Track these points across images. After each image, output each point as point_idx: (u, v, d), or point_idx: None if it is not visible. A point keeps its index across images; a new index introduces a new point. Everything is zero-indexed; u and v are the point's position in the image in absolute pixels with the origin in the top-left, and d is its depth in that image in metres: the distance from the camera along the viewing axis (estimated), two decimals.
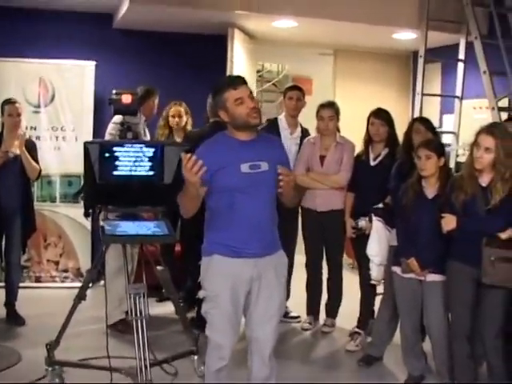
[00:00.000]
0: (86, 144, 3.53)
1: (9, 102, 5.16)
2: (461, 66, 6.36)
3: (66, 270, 6.39)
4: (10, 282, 5.28)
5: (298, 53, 8.17)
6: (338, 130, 5.25)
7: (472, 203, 3.68)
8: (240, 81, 3.20)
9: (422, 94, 6.23)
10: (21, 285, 5.68)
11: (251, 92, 3.22)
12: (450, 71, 6.88)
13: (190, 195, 3.06)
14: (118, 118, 4.34)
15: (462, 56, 6.37)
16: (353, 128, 5.14)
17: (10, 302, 5.25)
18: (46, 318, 4.23)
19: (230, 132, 3.24)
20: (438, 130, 6.75)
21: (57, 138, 6.38)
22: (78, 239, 6.31)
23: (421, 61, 6.16)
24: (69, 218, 6.30)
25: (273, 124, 5.26)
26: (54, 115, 6.38)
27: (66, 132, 6.38)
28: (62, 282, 6.27)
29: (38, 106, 6.34)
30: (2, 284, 5.39)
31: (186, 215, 3.23)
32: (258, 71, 10.21)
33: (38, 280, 6.36)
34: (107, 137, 4.95)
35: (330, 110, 5.07)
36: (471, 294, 3.73)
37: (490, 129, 3.65)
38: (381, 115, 4.84)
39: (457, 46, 6.45)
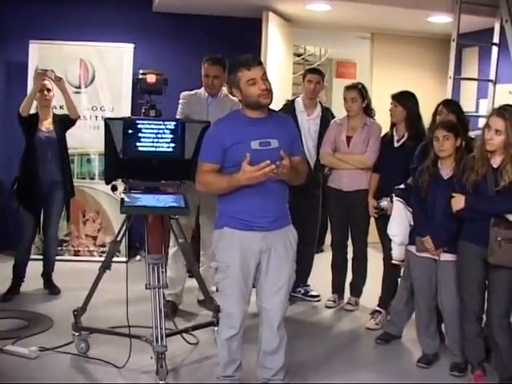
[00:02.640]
0: (106, 120, 3.72)
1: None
2: (495, 50, 6.30)
3: (103, 245, 6.62)
4: (48, 254, 5.54)
5: (336, 36, 8.23)
6: (369, 113, 5.29)
7: (482, 184, 3.73)
8: (255, 62, 3.31)
9: (454, 78, 6.21)
10: (60, 258, 6.00)
11: (265, 73, 3.33)
12: (486, 55, 6.81)
13: (233, 188, 3.26)
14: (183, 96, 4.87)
15: (496, 40, 6.30)
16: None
17: (47, 273, 5.52)
18: (80, 289, 4.40)
19: (242, 110, 3.38)
20: (474, 114, 6.77)
21: (96, 117, 6.59)
22: (115, 215, 6.43)
23: (453, 44, 6.14)
24: (107, 195, 6.47)
25: (290, 106, 5.34)
26: (94, 96, 6.61)
27: (106, 112, 6.56)
28: (100, 256, 6.46)
29: (79, 87, 6.57)
30: (41, 256, 5.65)
31: (212, 193, 3.51)
32: (299, 55, 10.30)
33: (76, 254, 6.63)
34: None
35: (352, 91, 5.15)
36: (480, 273, 3.79)
37: (500, 111, 3.69)
38: (395, 97, 4.92)
39: (493, 29, 6.40)
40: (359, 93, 5.14)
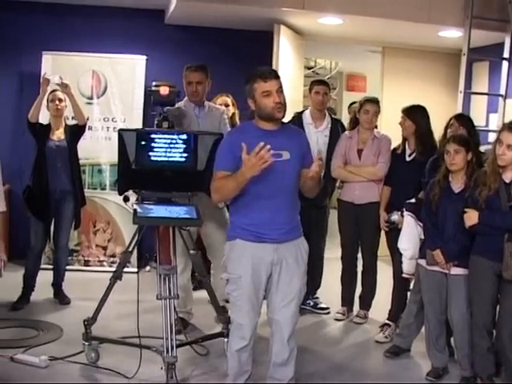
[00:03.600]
0: (120, 131, 3.75)
1: (52, 90, 5.37)
2: (505, 64, 6.33)
3: (113, 255, 6.64)
4: (58, 264, 5.56)
5: (347, 49, 8.26)
6: (376, 126, 5.36)
7: (495, 199, 3.74)
8: (272, 74, 3.32)
9: (465, 92, 6.23)
10: (70, 268, 6.00)
11: (281, 86, 3.34)
12: (497, 70, 6.84)
13: (241, 185, 3.22)
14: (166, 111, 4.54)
15: (506, 54, 6.34)
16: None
17: (57, 283, 5.55)
18: (90, 299, 4.44)
19: (255, 121, 3.40)
20: (484, 128, 6.78)
21: (108, 128, 6.62)
22: (125, 225, 6.47)
23: (464, 59, 6.18)
24: (117, 205, 6.49)
25: (297, 118, 5.35)
26: (106, 107, 6.65)
27: (117, 123, 6.60)
28: (110, 266, 6.47)
29: (91, 98, 6.61)
30: (51, 266, 5.69)
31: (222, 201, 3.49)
32: (310, 67, 10.35)
33: (86, 264, 6.64)
34: None
35: (376, 105, 5.20)
36: (492, 288, 3.80)
37: (511, 126, 3.70)
38: (404, 111, 4.94)
39: (503, 44, 6.42)
40: (379, 107, 5.22)
